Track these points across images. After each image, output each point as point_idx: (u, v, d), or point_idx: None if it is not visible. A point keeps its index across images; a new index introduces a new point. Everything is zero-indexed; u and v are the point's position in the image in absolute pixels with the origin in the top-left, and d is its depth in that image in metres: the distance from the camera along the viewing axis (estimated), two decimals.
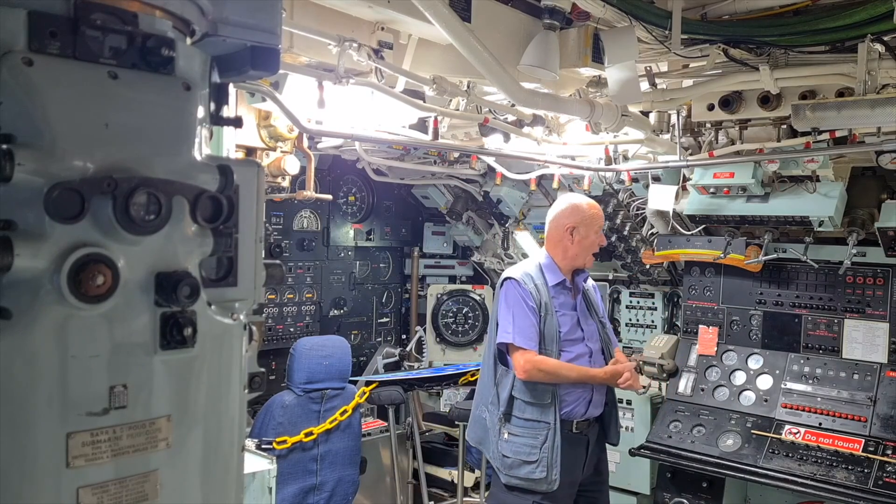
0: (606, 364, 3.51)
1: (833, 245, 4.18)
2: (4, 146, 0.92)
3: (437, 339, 6.13)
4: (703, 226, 4.48)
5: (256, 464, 2.92)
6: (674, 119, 4.06)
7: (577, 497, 3.50)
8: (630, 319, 5.38)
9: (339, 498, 4.53)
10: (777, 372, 4.31)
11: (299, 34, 2.51)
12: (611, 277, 5.52)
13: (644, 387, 3.69)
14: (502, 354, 3.42)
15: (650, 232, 4.89)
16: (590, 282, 3.70)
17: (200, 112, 1.16)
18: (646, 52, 3.06)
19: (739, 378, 4.41)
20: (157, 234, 1.03)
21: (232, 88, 1.37)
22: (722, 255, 4.32)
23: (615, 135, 3.85)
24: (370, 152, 4.97)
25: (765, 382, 4.31)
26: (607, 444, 3.65)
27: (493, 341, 3.46)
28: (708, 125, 4.03)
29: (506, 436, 3.36)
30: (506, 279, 3.48)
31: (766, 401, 4.23)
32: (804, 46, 2.97)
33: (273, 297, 5.41)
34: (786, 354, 4.35)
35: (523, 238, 6.01)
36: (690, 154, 4.07)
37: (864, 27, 2.72)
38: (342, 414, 4.50)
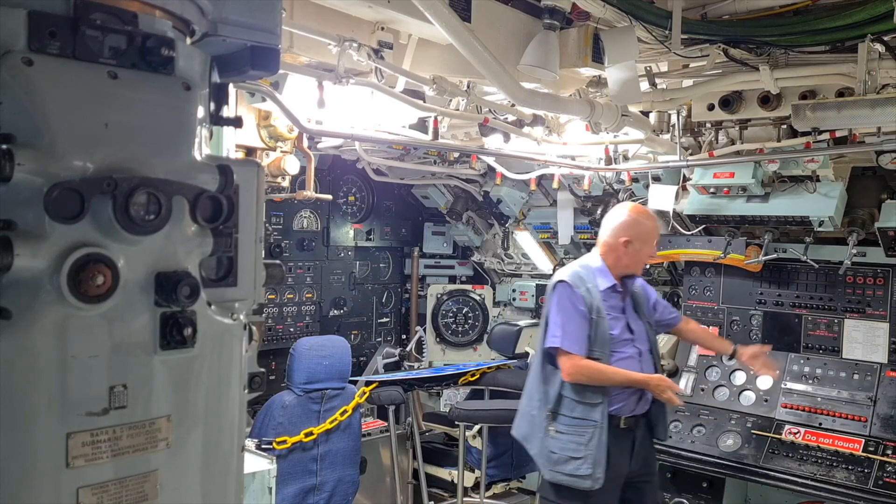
0: (655, 363, 3.60)
1: (833, 245, 4.18)
2: (4, 146, 0.92)
3: (437, 339, 6.12)
4: (703, 226, 4.48)
5: (256, 464, 2.92)
6: (674, 119, 4.06)
7: (625, 489, 3.54)
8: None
9: (339, 498, 4.53)
10: (777, 372, 4.31)
11: (299, 34, 2.50)
12: None
13: (682, 404, 3.79)
14: (551, 356, 3.47)
15: None
16: (638, 281, 3.74)
17: (200, 112, 1.16)
18: (646, 52, 3.06)
19: (739, 378, 4.41)
20: (157, 234, 1.03)
21: (232, 88, 1.37)
22: (722, 255, 4.32)
23: (615, 135, 3.85)
24: (370, 152, 4.97)
25: (765, 382, 4.31)
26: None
27: (541, 341, 3.51)
28: (708, 125, 4.02)
29: (553, 432, 3.43)
30: (558, 282, 3.50)
31: (766, 401, 4.23)
32: (804, 46, 2.97)
33: (273, 297, 5.40)
34: (786, 354, 4.35)
35: (523, 238, 6.02)
36: (690, 154, 4.07)
37: (864, 27, 2.72)
38: (342, 414, 4.50)
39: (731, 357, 4.08)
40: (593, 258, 3.61)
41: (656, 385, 3.42)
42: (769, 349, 3.93)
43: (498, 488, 5.48)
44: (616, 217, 3.60)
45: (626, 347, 3.51)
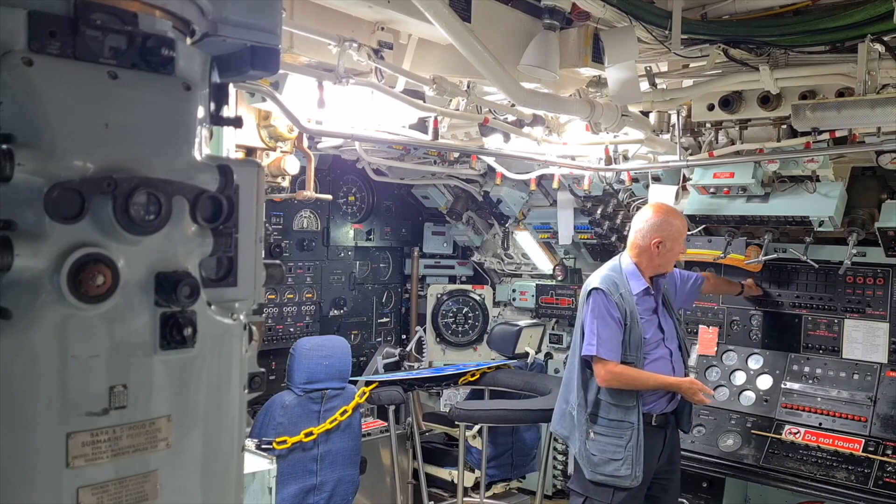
0: (684, 360, 3.72)
1: (833, 245, 4.18)
2: (4, 146, 0.92)
3: (437, 339, 6.13)
4: (703, 226, 4.48)
5: (256, 464, 2.92)
6: (674, 119, 4.05)
7: (651, 484, 3.63)
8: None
9: (339, 498, 4.53)
10: (777, 372, 4.31)
11: (299, 34, 2.50)
12: None
13: (712, 401, 3.96)
14: (587, 362, 3.55)
15: None
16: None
17: (200, 112, 1.16)
18: (646, 52, 3.06)
19: (739, 378, 4.41)
20: (157, 234, 1.03)
21: (232, 88, 1.37)
22: (722, 255, 4.32)
23: (615, 135, 3.85)
24: (370, 152, 4.97)
25: (765, 382, 4.31)
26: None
27: (577, 347, 3.60)
28: (708, 125, 4.02)
29: (592, 435, 3.52)
30: (593, 289, 3.57)
31: (766, 401, 4.23)
32: (804, 46, 2.97)
33: (273, 297, 5.40)
34: (786, 354, 4.35)
35: (523, 238, 6.02)
36: (690, 154, 4.07)
37: (864, 27, 2.72)
38: (342, 414, 4.50)
39: (740, 293, 4.40)
40: (625, 261, 3.67)
41: (688, 388, 3.53)
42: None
43: (498, 488, 5.49)
44: (645, 218, 3.66)
45: (658, 349, 3.60)
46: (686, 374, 3.75)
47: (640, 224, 3.66)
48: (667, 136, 4.15)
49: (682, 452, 4.17)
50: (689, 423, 3.78)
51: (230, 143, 3.17)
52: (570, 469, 4.13)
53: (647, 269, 3.63)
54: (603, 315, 3.49)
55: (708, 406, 4.35)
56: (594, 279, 3.63)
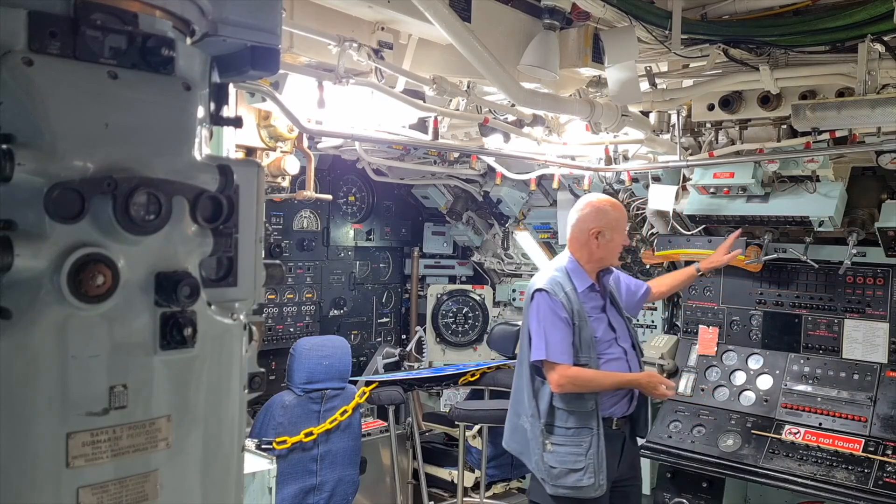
0: (639, 359, 3.56)
1: (833, 245, 4.18)
2: (4, 146, 0.92)
3: (437, 339, 6.13)
4: (703, 226, 4.48)
5: (256, 464, 2.92)
6: (674, 119, 4.05)
7: (612, 493, 3.47)
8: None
9: (339, 498, 4.53)
10: (777, 372, 4.31)
11: (299, 34, 2.50)
12: None
13: (672, 395, 3.76)
14: (538, 368, 3.38)
15: (650, 232, 4.89)
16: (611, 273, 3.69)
17: (200, 112, 1.16)
18: (646, 52, 3.06)
19: (739, 378, 4.40)
20: (157, 234, 1.03)
21: (232, 88, 1.37)
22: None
23: (615, 135, 3.85)
24: (370, 152, 4.97)
25: (765, 382, 4.31)
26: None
27: (524, 354, 3.43)
28: (708, 125, 4.02)
29: (550, 447, 3.33)
30: (536, 291, 3.40)
31: (766, 401, 4.23)
32: (804, 46, 2.97)
33: (273, 297, 5.41)
34: (786, 354, 4.35)
35: (523, 238, 6.01)
36: (690, 154, 4.07)
37: (864, 27, 2.72)
38: (342, 414, 4.50)
39: (701, 274, 4.14)
40: (566, 258, 3.52)
41: (647, 382, 3.37)
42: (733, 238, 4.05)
43: (498, 488, 5.49)
44: (580, 211, 3.51)
45: (611, 348, 3.44)
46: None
47: (575, 217, 3.51)
48: (667, 136, 4.15)
49: (682, 452, 4.19)
50: (645, 426, 3.61)
51: (230, 143, 3.17)
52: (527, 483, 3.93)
53: (588, 263, 3.47)
54: (549, 316, 3.31)
55: (708, 406, 4.36)
56: (537, 280, 3.47)
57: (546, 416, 3.33)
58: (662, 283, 4.12)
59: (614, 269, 3.74)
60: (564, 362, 3.28)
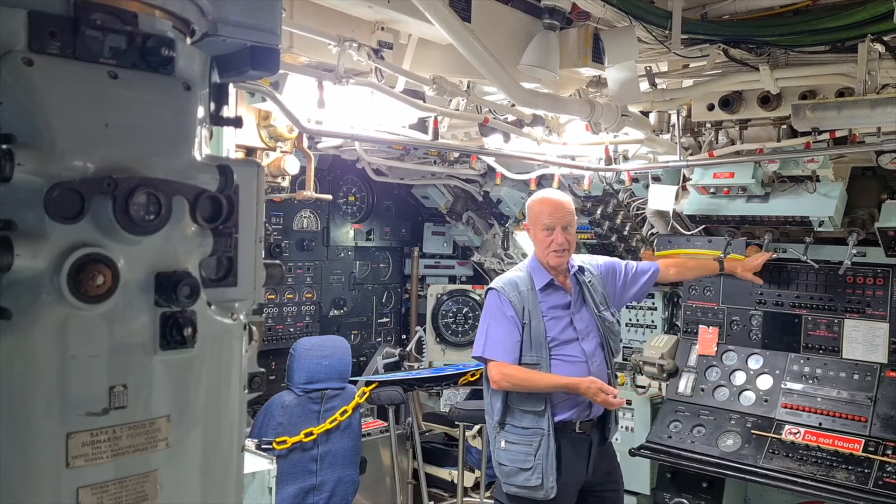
0: (608, 360, 3.47)
1: (833, 245, 4.18)
2: (4, 146, 0.92)
3: (437, 339, 6.12)
4: (703, 226, 4.48)
5: (256, 464, 2.92)
6: (674, 119, 4.05)
7: (586, 497, 3.46)
8: (630, 319, 5.37)
9: (339, 498, 4.53)
10: (777, 372, 4.31)
11: (299, 34, 2.51)
12: None
13: (619, 404, 3.49)
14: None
15: (650, 232, 4.89)
16: (595, 266, 3.63)
17: (200, 112, 1.16)
18: (646, 52, 3.06)
19: (739, 378, 4.40)
20: (156, 234, 1.03)
21: (232, 88, 1.37)
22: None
23: (615, 135, 3.85)
24: (370, 152, 4.97)
25: (765, 382, 4.31)
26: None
27: None
28: (708, 125, 4.02)
29: (502, 444, 3.34)
30: (487, 290, 3.49)
31: (766, 401, 4.23)
32: (804, 46, 2.97)
33: (273, 297, 5.41)
34: (786, 354, 4.34)
35: (523, 238, 6.01)
36: (690, 154, 4.07)
37: (864, 27, 2.72)
38: (342, 414, 4.50)
39: (721, 272, 4.17)
40: (530, 256, 3.56)
41: (586, 388, 3.24)
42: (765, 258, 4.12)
43: None
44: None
45: (569, 348, 3.37)
46: (610, 377, 3.45)
47: None
48: (667, 136, 4.15)
49: (682, 452, 4.18)
50: (609, 429, 3.49)
51: (230, 143, 3.17)
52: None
53: (541, 259, 3.44)
54: (494, 314, 3.35)
55: (708, 406, 4.35)
56: (497, 279, 3.51)
57: (499, 415, 3.34)
58: (678, 268, 4.10)
59: (604, 262, 3.70)
60: (504, 360, 3.28)
